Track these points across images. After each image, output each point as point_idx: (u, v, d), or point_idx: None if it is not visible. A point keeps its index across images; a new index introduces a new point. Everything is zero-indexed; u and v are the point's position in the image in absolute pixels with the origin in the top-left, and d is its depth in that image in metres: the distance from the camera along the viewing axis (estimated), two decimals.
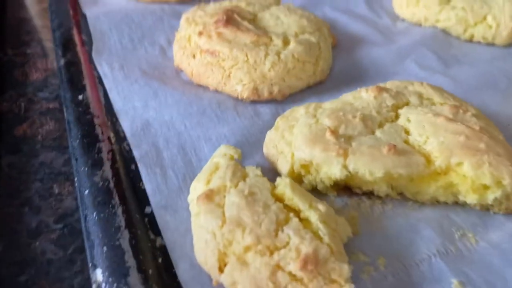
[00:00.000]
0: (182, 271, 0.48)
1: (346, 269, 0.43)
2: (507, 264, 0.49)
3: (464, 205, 0.55)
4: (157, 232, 0.52)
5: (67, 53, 0.79)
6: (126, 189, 0.56)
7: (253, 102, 0.70)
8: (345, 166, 0.53)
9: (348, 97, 0.62)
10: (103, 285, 0.45)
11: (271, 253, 0.44)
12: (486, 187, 0.53)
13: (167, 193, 0.56)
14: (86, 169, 0.57)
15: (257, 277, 0.43)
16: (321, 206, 0.49)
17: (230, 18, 0.75)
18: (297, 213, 0.48)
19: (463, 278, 0.47)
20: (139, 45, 0.82)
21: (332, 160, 0.53)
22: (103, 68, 0.75)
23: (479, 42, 0.86)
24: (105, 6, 0.94)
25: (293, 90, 0.72)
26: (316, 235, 0.46)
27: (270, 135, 0.60)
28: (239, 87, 0.69)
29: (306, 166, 0.55)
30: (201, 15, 0.79)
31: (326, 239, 0.45)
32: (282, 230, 0.46)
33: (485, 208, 0.55)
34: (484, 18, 0.84)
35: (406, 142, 0.55)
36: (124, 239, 0.49)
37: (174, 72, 0.77)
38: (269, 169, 0.59)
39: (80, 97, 0.69)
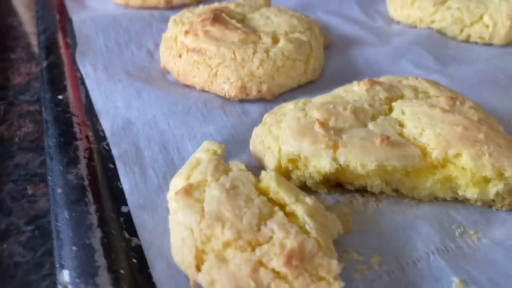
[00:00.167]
0: (158, 272, 0.44)
1: (335, 265, 0.39)
2: None
3: (464, 201, 0.51)
4: (133, 233, 0.48)
5: (51, 55, 0.76)
6: (102, 188, 0.52)
7: (242, 101, 0.67)
8: (335, 159, 0.49)
9: (339, 91, 0.59)
10: (70, 286, 0.41)
11: (253, 249, 0.40)
12: (487, 180, 0.49)
13: (146, 192, 0.52)
14: (61, 167, 0.54)
15: (237, 275, 0.39)
16: (309, 200, 0.45)
17: (218, 17, 0.73)
18: (282, 207, 0.45)
19: (465, 276, 0.43)
20: (125, 49, 0.80)
21: (321, 153, 0.49)
22: (86, 69, 0.72)
23: (476, 42, 0.83)
24: (93, 12, 0.92)
25: (283, 89, 0.69)
26: (302, 229, 0.42)
27: (257, 131, 0.57)
28: (226, 85, 0.66)
29: (294, 161, 0.51)
30: (189, 16, 0.77)
31: (313, 233, 0.41)
32: (266, 225, 0.42)
33: (487, 205, 0.51)
34: (481, 17, 0.82)
35: (401, 134, 0.52)
36: (96, 238, 0.45)
37: (160, 74, 0.74)
38: (256, 167, 0.55)
39: (60, 97, 0.66)
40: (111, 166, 0.56)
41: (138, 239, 0.47)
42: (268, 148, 0.54)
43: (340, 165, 0.49)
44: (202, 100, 0.67)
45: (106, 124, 0.61)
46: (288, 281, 0.38)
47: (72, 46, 0.79)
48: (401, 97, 0.57)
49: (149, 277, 0.43)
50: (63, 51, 0.78)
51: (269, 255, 0.39)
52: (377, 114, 0.54)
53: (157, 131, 0.61)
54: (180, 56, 0.70)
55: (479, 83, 0.71)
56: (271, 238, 0.41)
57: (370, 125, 0.53)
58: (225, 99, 0.67)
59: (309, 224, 0.42)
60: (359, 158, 0.49)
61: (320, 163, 0.50)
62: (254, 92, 0.67)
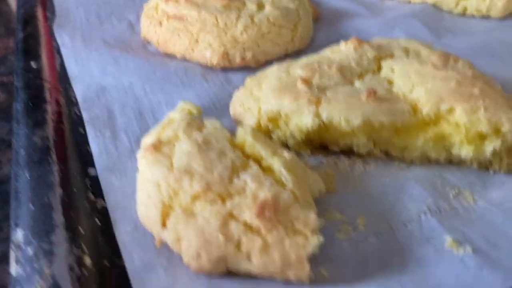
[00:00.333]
0: (122, 232, 0.40)
1: (313, 217, 0.35)
2: None
3: (459, 163, 0.47)
4: (100, 196, 0.44)
5: (28, 27, 0.73)
6: (69, 150, 0.49)
7: (225, 70, 0.64)
8: (317, 115, 0.45)
9: (325, 52, 0.56)
10: (23, 246, 0.37)
11: (224, 201, 0.36)
12: (482, 137, 0.45)
13: (117, 156, 0.49)
14: (26, 130, 0.50)
15: (205, 229, 0.35)
16: (287, 154, 0.41)
17: None
18: (258, 161, 0.41)
19: (459, 236, 0.39)
20: (106, 21, 0.76)
21: (303, 109, 0.46)
22: (63, 39, 0.69)
23: (472, 16, 0.79)
24: None
25: (269, 57, 0.65)
26: (279, 183, 0.38)
27: (238, 94, 0.53)
28: (208, 52, 0.63)
29: (274, 120, 0.48)
30: None
31: (289, 185, 0.38)
32: (238, 177, 0.38)
33: (484, 166, 0.47)
34: None
35: (389, 91, 0.48)
36: (56, 197, 0.42)
37: (141, 45, 0.70)
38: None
39: (34, 65, 0.63)
40: (82, 131, 0.52)
41: (104, 201, 0.43)
42: (248, 109, 0.50)
43: (323, 122, 0.45)
44: (182, 68, 0.63)
45: (79, 90, 0.58)
46: (261, 235, 0.34)
47: (51, 19, 0.76)
48: (391, 56, 0.54)
49: (112, 238, 0.39)
50: (41, 24, 0.75)
51: (240, 208, 0.36)
52: (364, 73, 0.51)
53: (132, 97, 0.57)
54: (160, 24, 0.67)
55: (476, 53, 0.67)
56: (243, 190, 0.37)
57: (357, 83, 0.49)
58: (207, 68, 0.64)
59: (286, 177, 0.38)
60: (343, 113, 0.45)
61: (302, 119, 0.46)
62: (237, 60, 0.63)
